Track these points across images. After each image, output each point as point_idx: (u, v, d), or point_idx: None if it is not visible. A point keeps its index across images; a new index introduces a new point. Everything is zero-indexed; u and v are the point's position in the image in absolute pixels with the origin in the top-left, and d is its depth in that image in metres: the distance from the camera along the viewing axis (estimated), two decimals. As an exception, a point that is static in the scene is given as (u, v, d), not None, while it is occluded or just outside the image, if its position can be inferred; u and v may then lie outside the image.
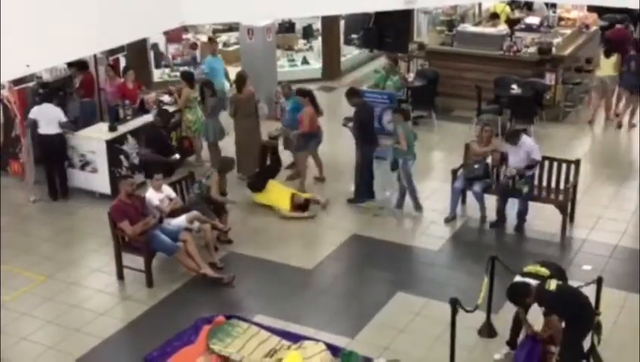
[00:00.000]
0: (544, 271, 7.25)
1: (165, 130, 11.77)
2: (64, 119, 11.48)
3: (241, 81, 12.10)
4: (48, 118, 11.37)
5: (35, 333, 8.47)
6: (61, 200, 11.55)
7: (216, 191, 10.16)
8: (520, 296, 7.08)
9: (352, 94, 11.26)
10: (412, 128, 11.22)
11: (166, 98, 12.99)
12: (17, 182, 11.89)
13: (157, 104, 12.65)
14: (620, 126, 13.79)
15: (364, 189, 11.20)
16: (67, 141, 11.58)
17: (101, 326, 8.51)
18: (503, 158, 10.38)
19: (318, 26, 17.88)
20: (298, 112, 11.62)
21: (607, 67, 13.81)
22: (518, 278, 7.26)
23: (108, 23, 7.91)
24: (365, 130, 11.04)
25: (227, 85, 13.71)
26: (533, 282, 7.06)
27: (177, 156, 11.39)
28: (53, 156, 11.55)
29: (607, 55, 13.82)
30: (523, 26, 15.73)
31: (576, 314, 6.89)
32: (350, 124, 11.25)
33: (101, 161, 11.44)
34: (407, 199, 10.86)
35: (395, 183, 10.96)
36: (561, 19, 16.16)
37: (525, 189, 10.11)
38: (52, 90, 12.14)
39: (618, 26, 15.90)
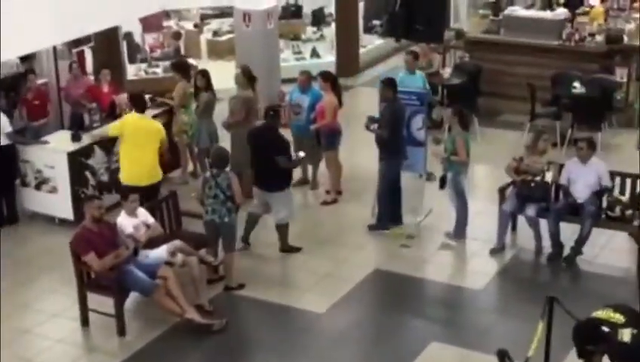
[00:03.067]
0: (618, 316, 7.18)
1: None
2: (9, 129, 11.44)
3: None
4: None
5: (-21, 394, 8.49)
6: (8, 227, 11.58)
7: (239, 191, 9.86)
8: (589, 339, 7.04)
9: (388, 85, 11.10)
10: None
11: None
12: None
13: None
14: None
15: (389, 212, 11.21)
16: (19, 154, 11.61)
17: (61, 385, 8.53)
18: None
19: (331, 9, 17.90)
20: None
21: None
22: None
23: (71, 10, 7.98)
24: (395, 134, 10.91)
25: None
26: (606, 329, 7.03)
27: (302, 154, 11.08)
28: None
29: None
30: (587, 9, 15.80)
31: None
32: (374, 126, 11.03)
33: (62, 178, 11.48)
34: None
35: (427, 206, 10.95)
36: (634, 0, 16.19)
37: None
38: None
39: None
